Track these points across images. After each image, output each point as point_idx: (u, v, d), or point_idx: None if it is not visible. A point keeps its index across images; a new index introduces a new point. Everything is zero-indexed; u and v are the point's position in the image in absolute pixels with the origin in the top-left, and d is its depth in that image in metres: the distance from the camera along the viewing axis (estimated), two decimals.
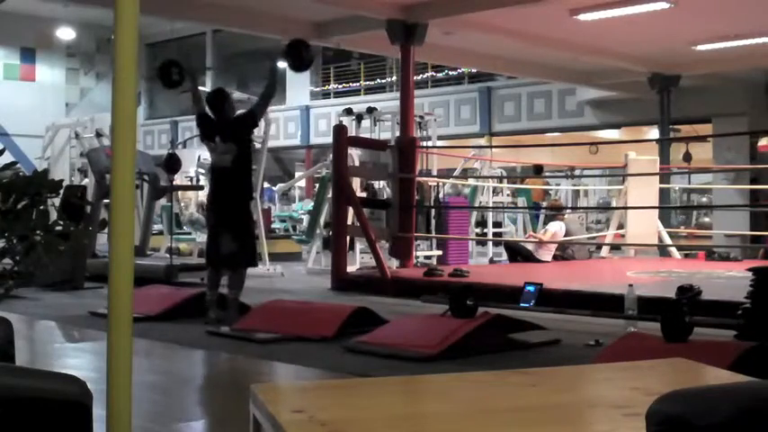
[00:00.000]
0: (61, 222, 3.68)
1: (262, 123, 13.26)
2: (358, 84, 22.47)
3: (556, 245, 11.92)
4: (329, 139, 10.82)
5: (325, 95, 23.31)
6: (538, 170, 15.99)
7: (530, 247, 12.21)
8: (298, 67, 7.47)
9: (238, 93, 15.27)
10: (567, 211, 14.63)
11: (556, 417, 2.00)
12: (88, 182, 13.45)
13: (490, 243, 14.68)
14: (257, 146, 12.60)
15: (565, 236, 12.09)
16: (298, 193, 19.64)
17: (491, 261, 13.88)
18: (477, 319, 5.89)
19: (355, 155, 11.74)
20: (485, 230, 14.89)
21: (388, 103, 16.18)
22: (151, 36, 24.81)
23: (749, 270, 5.66)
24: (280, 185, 18.60)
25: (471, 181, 14.62)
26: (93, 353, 6.04)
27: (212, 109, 7.41)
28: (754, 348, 4.54)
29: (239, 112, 7.62)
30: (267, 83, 7.59)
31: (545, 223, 14.00)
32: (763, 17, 11.31)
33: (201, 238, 13.85)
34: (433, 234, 12.38)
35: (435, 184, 12.98)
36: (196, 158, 16.41)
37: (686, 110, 15.78)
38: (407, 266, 10.68)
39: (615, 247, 13.50)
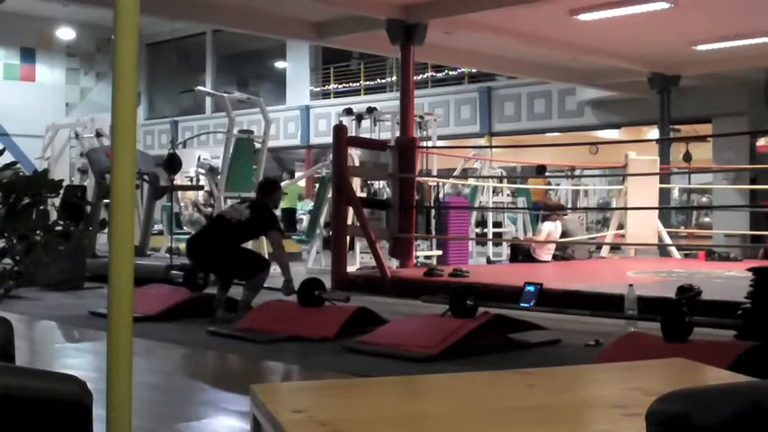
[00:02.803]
0: (61, 222, 3.68)
1: (262, 123, 13.28)
2: (358, 84, 22.47)
3: (554, 245, 11.92)
4: (329, 139, 10.82)
5: (326, 95, 23.31)
6: (540, 170, 15.99)
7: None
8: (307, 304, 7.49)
9: (238, 93, 15.28)
10: (567, 210, 14.62)
11: (555, 417, 2.00)
12: (88, 182, 13.44)
13: (490, 243, 14.69)
14: (257, 146, 12.61)
15: (565, 236, 12.08)
16: (297, 192, 19.62)
17: (488, 261, 13.88)
18: (477, 319, 5.89)
19: (355, 155, 11.74)
20: (485, 230, 14.89)
21: (388, 103, 16.19)
22: (151, 36, 24.81)
23: (749, 270, 5.65)
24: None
25: (471, 181, 14.62)
26: (93, 353, 6.04)
27: (259, 191, 7.81)
28: (754, 348, 4.54)
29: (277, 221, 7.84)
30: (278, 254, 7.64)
31: (542, 223, 14.00)
32: (763, 17, 11.31)
33: None
34: (433, 234, 12.37)
35: (435, 184, 12.97)
36: (196, 158, 16.41)
37: (686, 110, 15.77)
38: (407, 266, 10.68)
39: (615, 247, 13.50)
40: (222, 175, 12.16)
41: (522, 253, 12.28)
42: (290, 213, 18.05)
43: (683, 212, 19.19)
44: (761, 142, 15.29)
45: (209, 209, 14.12)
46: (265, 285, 7.53)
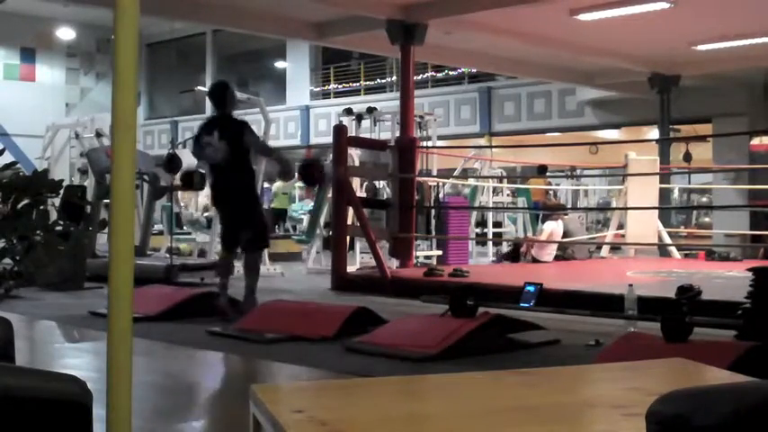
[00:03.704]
0: (61, 222, 3.68)
1: (262, 123, 13.27)
2: (358, 84, 22.47)
3: (556, 245, 11.91)
4: (329, 139, 10.82)
5: (326, 95, 23.31)
6: (542, 170, 16.00)
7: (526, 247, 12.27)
8: (310, 184, 7.69)
9: (239, 93, 15.27)
10: (567, 210, 14.62)
11: (556, 417, 2.00)
12: (88, 182, 13.44)
13: (490, 243, 14.68)
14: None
15: (565, 236, 12.07)
16: (298, 193, 19.63)
17: (499, 259, 13.76)
18: (477, 319, 5.89)
19: (355, 155, 11.74)
20: (485, 230, 14.88)
21: (388, 103, 16.18)
22: (151, 36, 24.81)
23: (749, 270, 5.66)
24: (278, 184, 18.59)
25: (471, 181, 14.62)
26: (93, 353, 6.04)
27: (214, 101, 7.49)
28: (754, 348, 4.54)
29: (243, 119, 7.58)
30: (272, 155, 7.72)
31: (542, 222, 14.00)
32: (763, 17, 11.32)
33: (201, 238, 13.84)
34: (433, 234, 12.37)
35: (435, 184, 12.97)
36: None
37: (686, 110, 15.77)
38: (407, 266, 10.68)
39: (615, 247, 13.50)
40: None
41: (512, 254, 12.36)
42: (280, 214, 18.08)
43: (683, 212, 19.19)
44: (754, 141, 15.29)
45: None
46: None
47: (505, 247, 13.77)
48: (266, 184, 17.28)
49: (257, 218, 7.47)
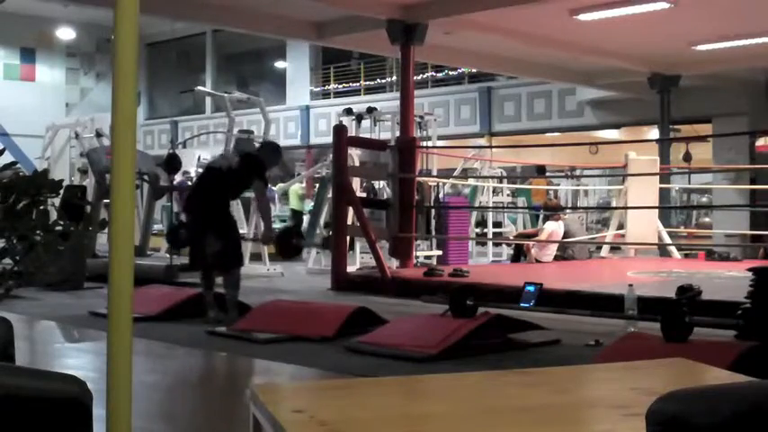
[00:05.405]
0: (61, 222, 3.68)
1: (262, 123, 13.28)
2: (358, 84, 22.46)
3: (556, 246, 11.91)
4: (329, 139, 10.82)
5: (326, 95, 23.31)
6: (540, 170, 16.00)
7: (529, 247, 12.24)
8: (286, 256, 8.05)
9: (239, 93, 15.28)
10: (567, 210, 14.62)
11: (556, 417, 2.00)
12: (88, 182, 13.44)
13: (490, 243, 14.69)
14: (257, 146, 12.60)
15: (565, 236, 12.07)
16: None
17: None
18: (477, 319, 5.89)
19: (355, 155, 11.74)
20: (485, 230, 14.88)
21: (388, 103, 16.17)
22: (151, 36, 24.80)
23: (749, 270, 5.66)
24: (279, 185, 18.57)
25: (471, 181, 14.62)
26: (93, 353, 6.04)
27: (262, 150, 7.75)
28: (754, 348, 4.54)
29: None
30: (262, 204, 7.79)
31: (543, 223, 13.99)
32: (763, 17, 11.31)
33: None
34: (433, 234, 12.37)
35: (435, 184, 12.97)
36: (196, 158, 16.40)
37: (686, 110, 15.77)
38: (407, 266, 10.68)
39: (615, 247, 13.49)
40: None
41: (523, 254, 12.30)
42: (298, 215, 17.92)
43: (683, 212, 19.19)
44: (760, 142, 15.29)
45: None
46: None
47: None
48: (271, 186, 17.22)
49: (227, 235, 7.33)
